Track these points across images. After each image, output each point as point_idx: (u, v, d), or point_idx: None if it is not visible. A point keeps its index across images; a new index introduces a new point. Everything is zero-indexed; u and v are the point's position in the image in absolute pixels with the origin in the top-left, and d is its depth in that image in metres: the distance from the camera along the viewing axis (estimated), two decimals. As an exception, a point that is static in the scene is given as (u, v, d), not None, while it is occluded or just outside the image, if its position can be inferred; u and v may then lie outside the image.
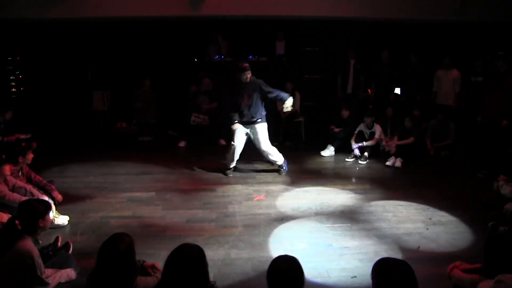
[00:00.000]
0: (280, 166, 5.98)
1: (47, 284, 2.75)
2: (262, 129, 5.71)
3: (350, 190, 5.37)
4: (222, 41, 8.63)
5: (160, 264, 2.57)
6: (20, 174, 4.38)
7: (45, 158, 5.93)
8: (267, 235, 4.08)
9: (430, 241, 3.94)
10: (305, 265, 2.16)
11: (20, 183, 4.17)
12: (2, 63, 8.96)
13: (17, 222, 2.77)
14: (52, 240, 3.67)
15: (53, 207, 4.01)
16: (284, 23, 8.81)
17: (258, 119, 5.67)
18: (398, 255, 3.47)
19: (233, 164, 5.93)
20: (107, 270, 2.30)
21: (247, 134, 5.79)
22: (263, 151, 5.82)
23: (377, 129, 6.96)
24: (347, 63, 8.15)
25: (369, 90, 8.51)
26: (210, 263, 2.28)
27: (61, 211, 4.31)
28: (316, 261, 3.52)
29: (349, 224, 4.33)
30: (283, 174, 5.95)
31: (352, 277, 3.33)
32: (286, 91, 7.85)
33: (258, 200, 5.01)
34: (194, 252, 2.20)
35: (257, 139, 5.74)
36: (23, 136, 6.20)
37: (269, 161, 6.01)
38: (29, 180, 4.45)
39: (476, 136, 6.38)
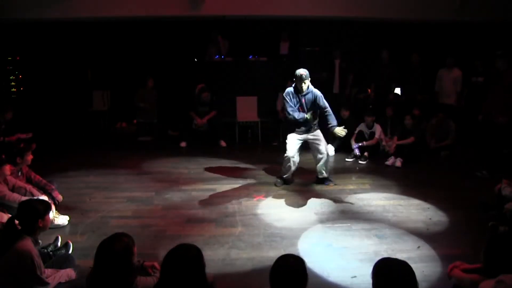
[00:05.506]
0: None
1: (47, 284, 2.75)
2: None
3: (350, 190, 5.36)
4: (222, 41, 8.63)
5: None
6: (19, 174, 4.37)
7: (45, 158, 5.93)
8: (267, 235, 4.08)
9: (430, 241, 3.94)
10: (305, 265, 2.16)
11: (20, 183, 4.17)
12: (2, 63, 8.96)
13: (16, 222, 2.77)
14: (52, 240, 3.68)
15: (53, 207, 4.01)
16: (284, 23, 8.81)
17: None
18: (398, 255, 3.45)
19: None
20: (104, 270, 2.30)
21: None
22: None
23: (377, 129, 6.95)
24: (332, 63, 8.17)
25: (369, 90, 8.51)
26: (210, 263, 2.29)
27: (61, 211, 4.31)
28: (316, 261, 3.52)
29: (349, 224, 4.32)
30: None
31: (352, 277, 3.33)
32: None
33: (258, 200, 5.00)
34: (191, 252, 2.20)
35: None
36: (24, 136, 6.20)
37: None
38: (29, 180, 4.45)
39: (477, 135, 6.37)
